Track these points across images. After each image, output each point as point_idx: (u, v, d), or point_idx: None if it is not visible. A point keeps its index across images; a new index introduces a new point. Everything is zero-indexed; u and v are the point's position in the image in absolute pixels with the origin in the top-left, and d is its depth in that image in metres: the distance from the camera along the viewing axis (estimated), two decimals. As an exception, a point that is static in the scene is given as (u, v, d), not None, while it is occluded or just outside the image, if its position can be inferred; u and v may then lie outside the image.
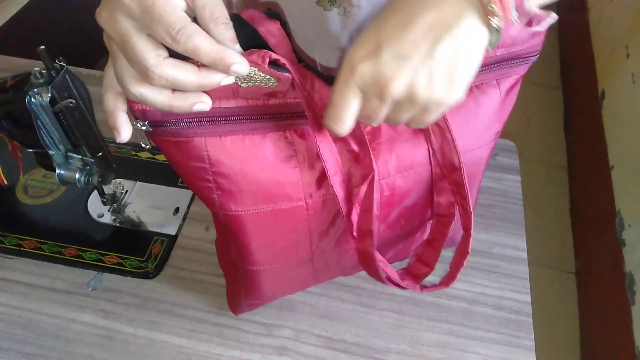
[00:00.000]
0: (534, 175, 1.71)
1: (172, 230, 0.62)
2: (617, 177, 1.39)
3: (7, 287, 0.57)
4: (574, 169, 1.71)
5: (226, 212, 0.42)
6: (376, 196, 0.40)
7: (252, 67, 0.34)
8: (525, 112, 1.91)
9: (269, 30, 0.35)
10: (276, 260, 0.46)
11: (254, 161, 0.40)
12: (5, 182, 0.64)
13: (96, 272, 0.58)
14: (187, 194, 0.66)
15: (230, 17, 0.36)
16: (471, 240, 0.44)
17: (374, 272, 0.43)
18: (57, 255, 0.59)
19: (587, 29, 1.84)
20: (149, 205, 0.65)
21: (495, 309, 0.57)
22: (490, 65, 0.44)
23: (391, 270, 0.43)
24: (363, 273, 0.59)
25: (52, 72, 0.47)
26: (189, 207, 0.64)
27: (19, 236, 0.61)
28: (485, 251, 0.62)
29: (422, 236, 0.53)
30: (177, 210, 0.64)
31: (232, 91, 0.37)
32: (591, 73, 1.70)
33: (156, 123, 0.37)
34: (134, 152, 0.70)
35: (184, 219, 0.63)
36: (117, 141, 0.35)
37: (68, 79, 0.48)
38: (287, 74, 0.35)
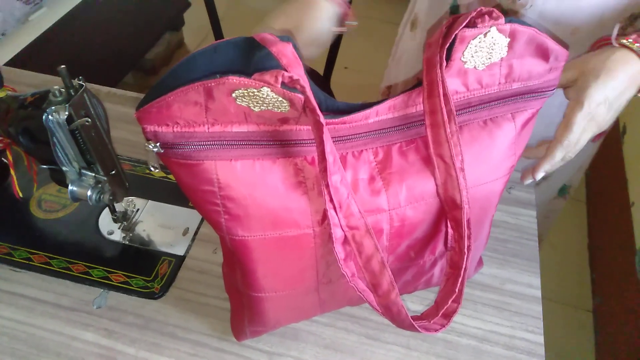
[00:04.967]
0: (552, 208, 1.67)
1: (180, 251, 0.62)
2: (638, 214, 1.36)
3: (13, 300, 0.57)
4: (593, 204, 1.68)
5: (233, 236, 0.41)
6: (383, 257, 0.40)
7: (265, 88, 0.34)
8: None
9: (281, 51, 0.35)
10: (282, 288, 0.46)
11: (263, 187, 0.39)
12: (21, 194, 0.65)
13: (102, 290, 0.58)
14: (197, 214, 0.66)
15: (244, 40, 0.36)
16: (460, 280, 0.43)
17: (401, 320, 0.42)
18: (65, 271, 0.59)
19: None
20: (159, 224, 0.65)
21: (506, 349, 0.55)
22: (506, 99, 0.44)
23: (406, 315, 0.42)
24: (370, 304, 0.58)
25: (71, 90, 0.48)
26: (198, 228, 0.64)
27: (29, 250, 0.61)
28: (497, 287, 0.60)
29: (432, 269, 0.52)
30: (186, 230, 0.64)
31: (244, 115, 0.37)
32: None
33: (167, 145, 0.37)
34: (148, 171, 0.70)
35: (193, 239, 0.63)
36: None
37: (86, 97, 0.49)
38: (299, 96, 0.35)
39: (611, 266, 1.43)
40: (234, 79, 0.34)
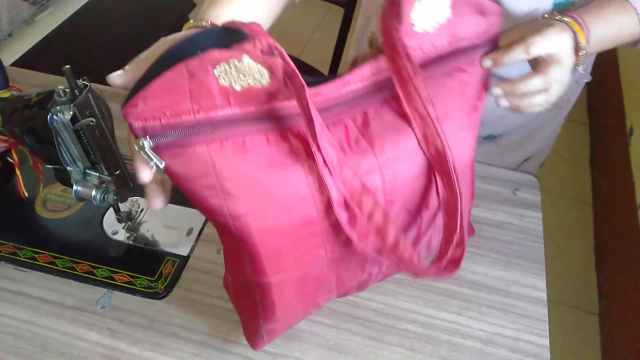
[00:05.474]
0: (558, 210, 1.67)
1: (184, 251, 0.62)
2: (645, 217, 1.34)
3: (19, 300, 0.57)
4: (599, 206, 1.67)
5: (235, 218, 0.41)
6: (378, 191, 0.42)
7: (245, 56, 0.36)
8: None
9: (254, 29, 0.37)
10: (291, 267, 0.45)
11: (258, 162, 0.40)
12: (26, 194, 0.65)
13: (106, 290, 0.58)
14: (201, 215, 0.65)
15: (217, 30, 0.38)
16: (459, 220, 0.44)
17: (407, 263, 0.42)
18: (70, 271, 0.59)
19: (616, 65, 1.81)
20: (164, 224, 0.65)
21: (511, 352, 0.54)
22: (458, 54, 0.48)
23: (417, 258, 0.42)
24: (375, 305, 0.57)
25: (76, 90, 0.48)
26: (202, 228, 0.64)
27: (34, 249, 0.61)
28: (502, 289, 0.60)
29: (433, 222, 0.52)
30: (190, 231, 0.64)
31: (227, 97, 0.38)
32: (619, 109, 1.66)
33: (157, 137, 0.37)
34: (152, 171, 0.70)
35: (197, 240, 0.63)
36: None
37: (90, 98, 0.49)
38: (278, 60, 0.37)
39: (617, 269, 1.42)
40: (215, 52, 0.35)
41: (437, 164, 0.45)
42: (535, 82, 0.49)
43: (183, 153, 0.38)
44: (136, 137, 0.37)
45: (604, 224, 1.59)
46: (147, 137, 0.37)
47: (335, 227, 0.44)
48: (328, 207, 0.42)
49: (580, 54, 0.51)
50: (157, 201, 0.43)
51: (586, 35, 0.51)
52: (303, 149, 0.41)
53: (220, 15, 0.48)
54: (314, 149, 0.38)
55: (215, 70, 0.36)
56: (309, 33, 2.28)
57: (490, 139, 0.79)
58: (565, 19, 0.51)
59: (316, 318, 0.56)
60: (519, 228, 0.66)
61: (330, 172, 0.39)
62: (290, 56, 0.39)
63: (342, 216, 0.40)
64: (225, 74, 0.36)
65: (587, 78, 0.65)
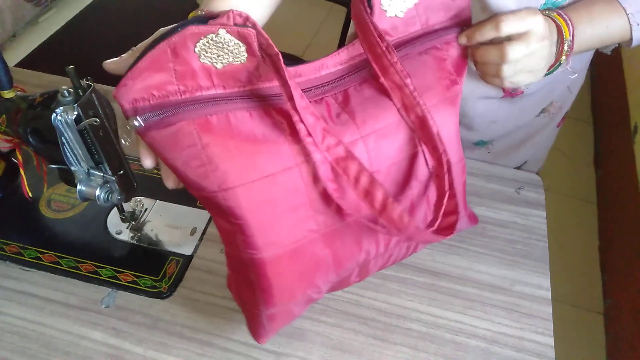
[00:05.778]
0: (562, 209, 1.66)
1: (188, 251, 0.62)
2: (650, 216, 1.34)
3: (23, 299, 0.57)
4: (603, 205, 1.66)
5: (222, 191, 0.41)
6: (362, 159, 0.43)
7: (222, 30, 0.38)
8: (554, 144, 1.89)
9: (232, 11, 0.39)
10: (281, 239, 0.44)
11: (242, 135, 0.41)
12: (30, 194, 0.66)
13: (110, 290, 0.58)
14: (205, 214, 0.66)
15: (198, 18, 0.40)
16: (447, 183, 0.45)
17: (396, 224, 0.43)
18: (74, 271, 0.59)
19: (620, 63, 1.80)
20: (167, 224, 0.65)
21: (515, 351, 0.54)
22: (431, 34, 0.50)
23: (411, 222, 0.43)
24: (378, 305, 0.57)
25: (80, 90, 0.48)
26: (206, 228, 0.64)
27: (39, 249, 0.61)
28: (507, 288, 0.59)
29: (425, 195, 0.51)
30: (194, 230, 0.64)
31: (210, 79, 0.40)
32: (624, 107, 1.66)
33: (146, 116, 0.39)
34: (156, 170, 0.71)
35: (201, 239, 0.63)
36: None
37: (94, 98, 0.49)
38: (251, 30, 0.38)
39: (622, 268, 1.41)
40: (193, 27, 0.37)
41: (420, 132, 0.46)
42: (491, 52, 0.50)
43: (170, 130, 0.39)
44: (127, 117, 0.39)
45: (608, 223, 1.59)
46: (137, 116, 0.38)
47: (325, 198, 0.44)
48: (315, 177, 0.43)
49: (565, 48, 0.51)
50: (170, 181, 0.44)
51: (570, 30, 0.51)
52: (286, 123, 0.42)
53: (220, 6, 0.49)
54: (295, 117, 0.39)
55: (196, 48, 0.38)
56: (312, 33, 2.28)
57: (481, 144, 0.78)
58: (552, 15, 0.51)
59: (320, 317, 0.56)
60: (523, 227, 0.65)
61: (313, 140, 0.40)
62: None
63: (328, 184, 0.41)
64: (205, 51, 0.38)
65: (573, 75, 0.66)
